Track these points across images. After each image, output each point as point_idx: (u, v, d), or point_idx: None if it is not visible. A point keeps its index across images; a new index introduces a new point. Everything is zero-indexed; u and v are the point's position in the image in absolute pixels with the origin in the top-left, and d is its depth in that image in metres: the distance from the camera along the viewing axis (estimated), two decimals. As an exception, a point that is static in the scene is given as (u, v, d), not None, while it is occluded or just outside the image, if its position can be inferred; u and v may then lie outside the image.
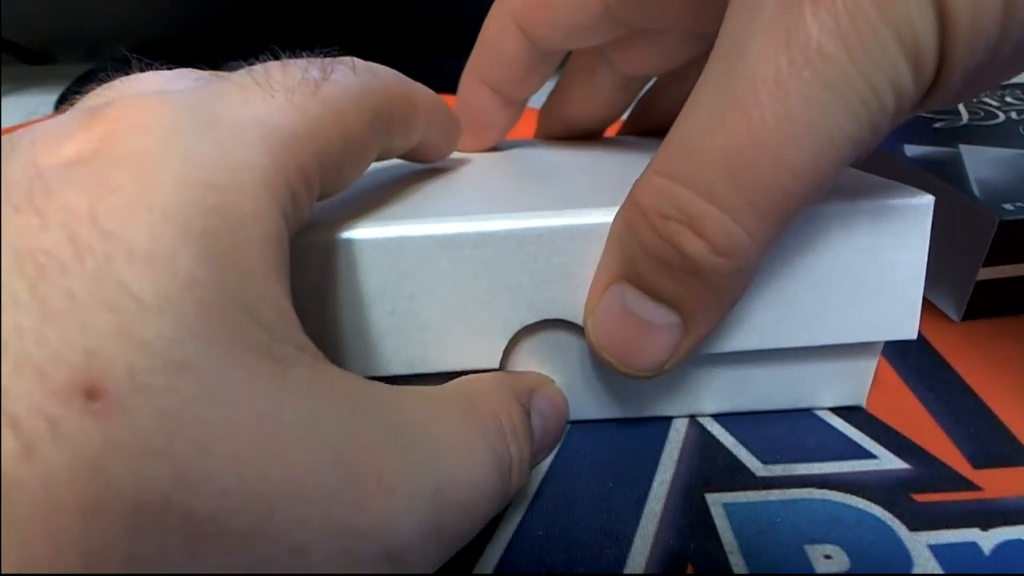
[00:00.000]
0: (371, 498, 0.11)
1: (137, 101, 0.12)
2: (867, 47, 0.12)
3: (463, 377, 0.17)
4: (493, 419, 0.15)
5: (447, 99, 0.28)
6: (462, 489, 0.13)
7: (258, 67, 0.14)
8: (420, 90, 0.18)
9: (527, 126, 0.31)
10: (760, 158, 0.13)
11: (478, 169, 0.23)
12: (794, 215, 0.14)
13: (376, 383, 0.13)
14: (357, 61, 0.16)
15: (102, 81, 0.15)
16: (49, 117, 0.14)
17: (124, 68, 0.15)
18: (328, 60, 0.15)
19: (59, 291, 0.10)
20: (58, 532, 0.09)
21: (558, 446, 0.20)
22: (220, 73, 0.15)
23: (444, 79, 0.29)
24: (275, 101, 0.14)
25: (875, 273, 0.17)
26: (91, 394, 0.09)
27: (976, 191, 0.24)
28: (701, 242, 0.14)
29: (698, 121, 0.14)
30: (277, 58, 0.15)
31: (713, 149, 0.14)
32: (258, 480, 0.10)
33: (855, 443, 0.19)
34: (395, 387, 0.14)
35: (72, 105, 0.14)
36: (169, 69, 0.15)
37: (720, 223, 0.14)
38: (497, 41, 0.23)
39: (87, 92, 0.14)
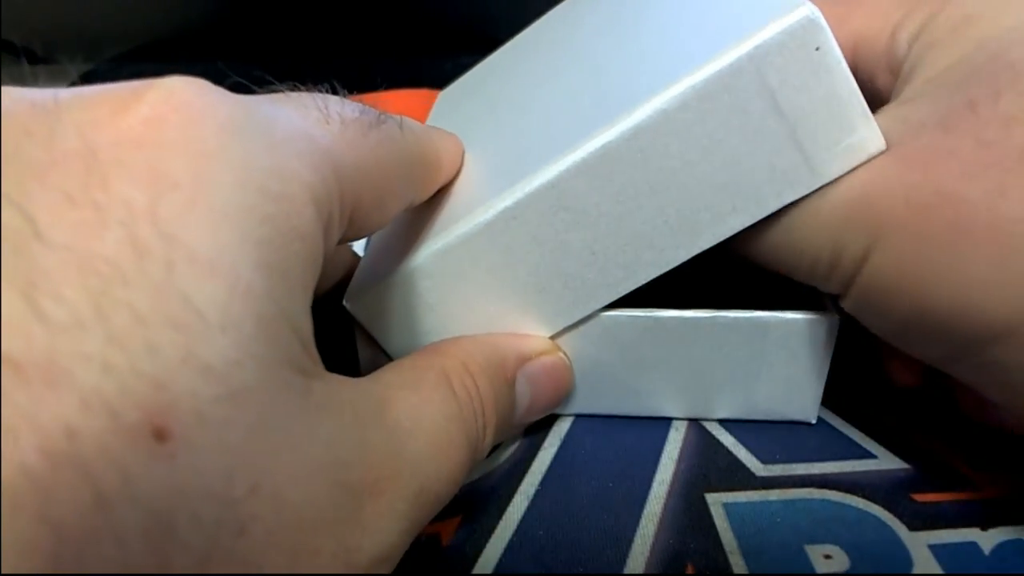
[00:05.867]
0: (366, 510, 0.12)
1: (188, 82, 0.12)
2: None
3: (445, 341, 0.17)
4: (467, 397, 0.15)
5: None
6: (440, 482, 0.14)
7: (318, 94, 0.15)
8: (447, 147, 0.19)
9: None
10: None
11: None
12: None
13: (364, 382, 0.14)
14: (404, 119, 0.16)
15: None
16: None
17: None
18: (381, 112, 0.16)
19: (122, 306, 0.09)
20: None
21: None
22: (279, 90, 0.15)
23: (444, 79, 0.29)
24: (330, 128, 0.14)
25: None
26: (160, 434, 0.09)
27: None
28: None
29: None
30: (335, 91, 0.15)
31: None
32: (293, 516, 0.10)
33: (855, 443, 0.19)
34: (380, 378, 0.14)
35: None
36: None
37: None
38: None
39: None
